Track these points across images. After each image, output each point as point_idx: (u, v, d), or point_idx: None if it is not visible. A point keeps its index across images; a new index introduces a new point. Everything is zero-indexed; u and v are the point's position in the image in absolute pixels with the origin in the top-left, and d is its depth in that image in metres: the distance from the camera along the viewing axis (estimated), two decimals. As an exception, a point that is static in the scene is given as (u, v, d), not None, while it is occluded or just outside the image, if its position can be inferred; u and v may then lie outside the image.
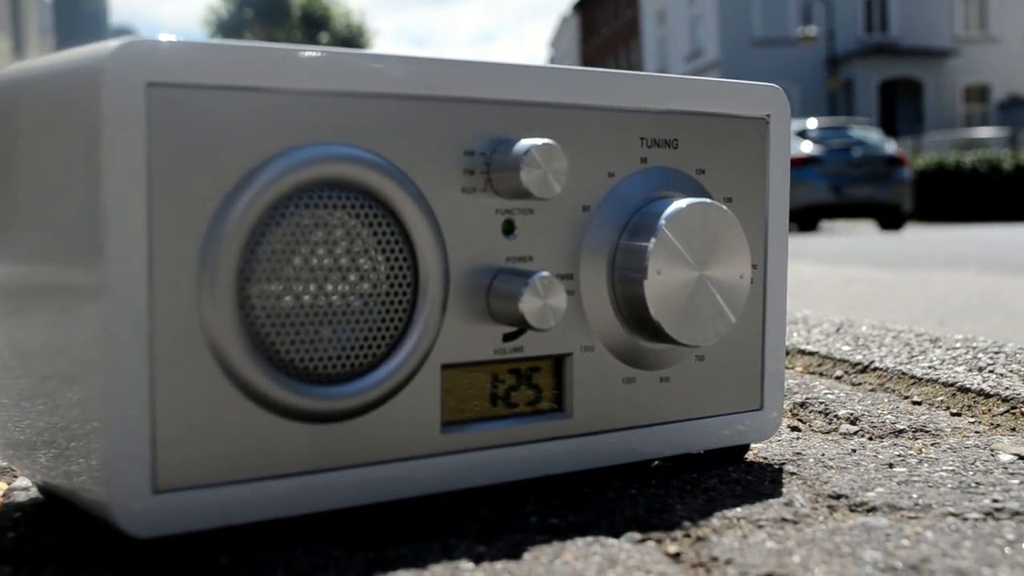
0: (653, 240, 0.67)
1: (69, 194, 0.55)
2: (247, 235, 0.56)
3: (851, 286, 4.43)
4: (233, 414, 0.56)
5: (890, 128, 24.22)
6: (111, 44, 0.53)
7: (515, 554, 0.56)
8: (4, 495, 0.69)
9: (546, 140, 0.63)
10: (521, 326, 0.63)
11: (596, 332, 0.69)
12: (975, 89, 26.11)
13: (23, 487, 0.70)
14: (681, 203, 0.68)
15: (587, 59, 40.36)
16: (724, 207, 0.70)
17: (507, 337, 0.65)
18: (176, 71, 0.54)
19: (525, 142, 0.62)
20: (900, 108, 25.30)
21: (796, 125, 11.87)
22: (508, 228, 0.65)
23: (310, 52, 0.58)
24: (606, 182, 0.68)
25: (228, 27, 20.96)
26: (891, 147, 11.90)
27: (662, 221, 0.67)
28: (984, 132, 20.16)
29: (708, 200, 0.69)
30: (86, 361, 0.55)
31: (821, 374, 1.17)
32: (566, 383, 0.68)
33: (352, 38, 21.46)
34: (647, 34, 32.27)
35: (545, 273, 0.63)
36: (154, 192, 0.53)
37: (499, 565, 0.54)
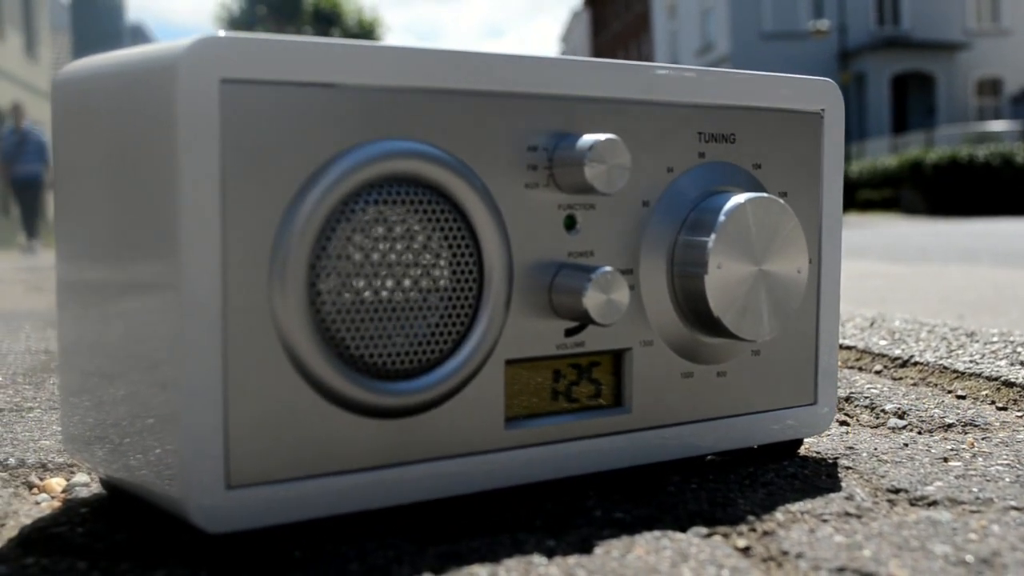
0: (713, 235, 0.67)
1: (144, 189, 0.55)
2: (317, 231, 0.56)
3: (867, 280, 4.43)
4: (304, 410, 0.57)
5: (902, 122, 24.20)
6: (185, 41, 0.53)
7: (586, 548, 0.56)
8: (65, 491, 0.69)
9: (609, 135, 0.63)
10: (584, 321, 0.63)
11: (655, 327, 0.69)
12: (987, 82, 26.03)
13: (83, 483, 0.70)
14: (739, 198, 0.68)
15: (598, 53, 40.34)
16: (781, 201, 0.70)
17: (568, 332, 0.66)
18: (249, 67, 0.54)
19: (588, 137, 0.63)
20: (912, 102, 25.24)
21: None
22: (570, 223, 0.65)
23: (378, 48, 0.58)
24: (665, 177, 0.69)
25: (240, 23, 20.98)
26: None
27: (721, 216, 0.67)
28: (997, 126, 20.13)
29: (765, 195, 0.69)
30: (159, 356, 0.55)
31: (860, 368, 1.17)
32: (625, 378, 0.68)
33: (364, 34, 21.48)
34: (658, 28, 32.24)
35: (608, 268, 0.63)
36: (227, 188, 0.54)
37: (572, 560, 0.54)
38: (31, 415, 0.94)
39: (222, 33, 0.54)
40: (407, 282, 0.59)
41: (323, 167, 0.56)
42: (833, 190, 0.76)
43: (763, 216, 0.69)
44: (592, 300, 0.62)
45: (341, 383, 0.57)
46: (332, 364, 0.57)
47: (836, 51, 23.39)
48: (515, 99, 0.62)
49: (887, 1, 25.90)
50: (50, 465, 0.75)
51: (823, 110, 0.75)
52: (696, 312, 0.68)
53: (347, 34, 21.51)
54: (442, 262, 0.60)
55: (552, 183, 0.64)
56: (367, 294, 0.58)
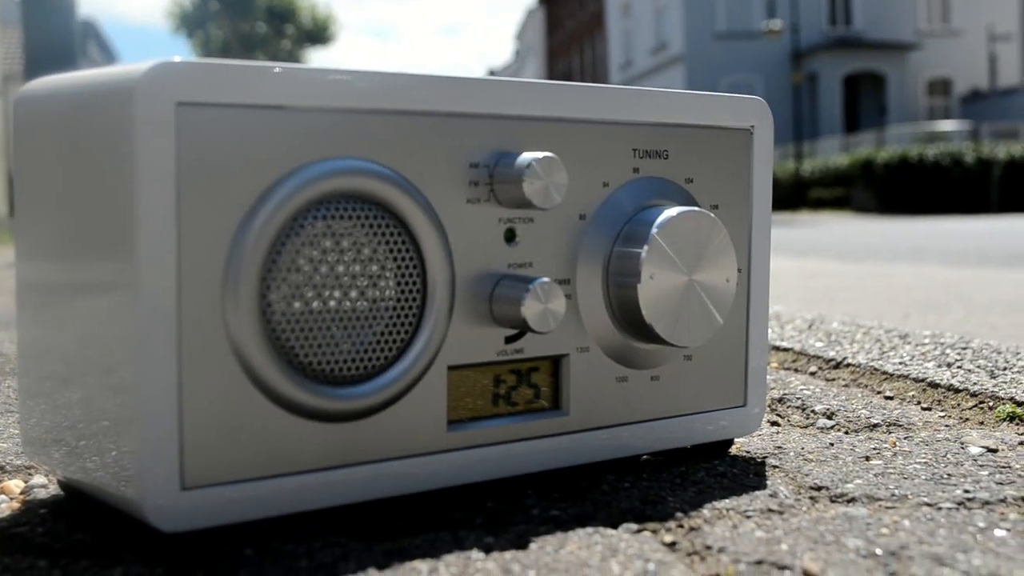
0: (646, 247, 0.71)
1: (102, 208, 0.58)
2: (268, 245, 0.59)
3: (816, 279, 4.50)
4: (255, 414, 0.60)
5: (854, 121, 24.45)
6: (143, 65, 0.56)
7: (522, 544, 0.59)
8: (24, 492, 0.72)
9: (547, 153, 0.66)
10: (523, 329, 0.67)
11: (591, 334, 0.72)
12: (938, 83, 26.37)
13: (41, 484, 0.73)
14: (672, 211, 0.72)
15: (552, 52, 40.41)
16: (712, 215, 0.73)
17: (508, 339, 0.69)
18: (204, 91, 0.57)
19: (527, 155, 0.66)
20: (863, 101, 25.51)
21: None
22: (510, 236, 0.68)
23: (326, 72, 0.61)
24: (601, 191, 0.72)
25: (192, 19, 20.83)
26: None
27: (654, 229, 0.71)
28: (946, 125, 20.40)
29: (697, 208, 0.73)
30: (116, 362, 0.58)
31: (796, 370, 1.21)
32: (563, 382, 0.72)
33: (318, 31, 21.41)
34: (612, 27, 32.37)
35: (546, 279, 0.66)
36: (183, 205, 0.56)
37: (508, 555, 0.58)
38: (-12, 418, 0.96)
39: (178, 59, 0.56)
40: (354, 293, 0.62)
41: (274, 185, 0.59)
42: (762, 202, 0.80)
43: (694, 228, 0.73)
44: (530, 309, 0.66)
45: (290, 389, 0.60)
46: (282, 371, 0.60)
47: (789, 51, 23.59)
48: (457, 119, 0.66)
49: (839, 2, 26.16)
50: (8, 467, 0.78)
51: (753, 127, 0.79)
52: (630, 320, 0.72)
53: (301, 31, 21.40)
54: (387, 274, 0.64)
55: (493, 198, 0.67)
56: (315, 304, 0.61)
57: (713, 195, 0.78)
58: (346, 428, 0.63)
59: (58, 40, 4.86)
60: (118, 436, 0.58)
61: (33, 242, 0.67)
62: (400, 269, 0.64)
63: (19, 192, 0.69)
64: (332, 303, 0.62)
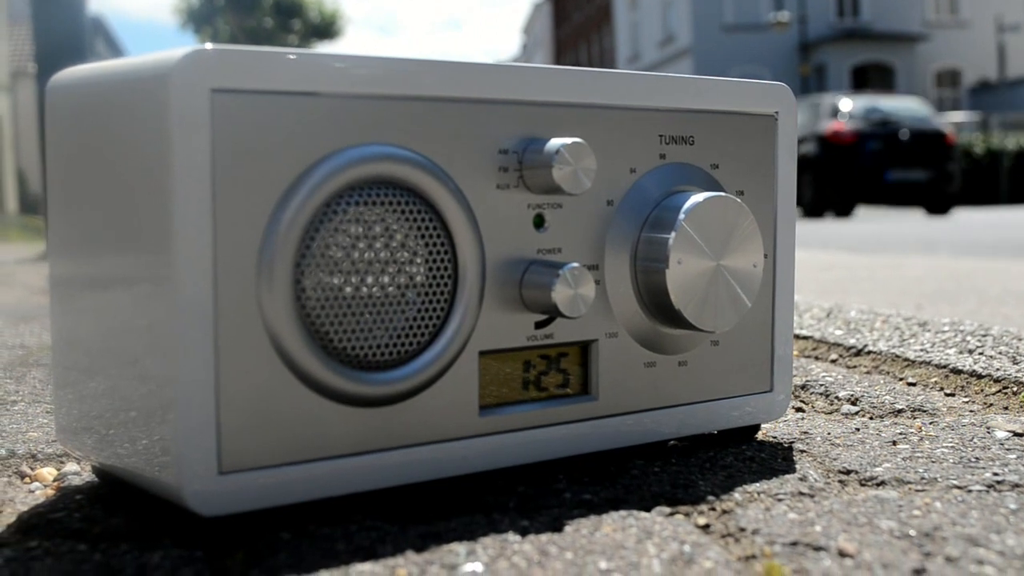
0: (673, 233, 0.71)
1: (138, 193, 0.59)
2: (302, 230, 0.59)
3: (829, 271, 4.49)
4: (290, 400, 0.60)
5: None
6: (177, 52, 0.56)
7: (556, 527, 0.60)
8: (57, 480, 0.72)
9: (575, 139, 0.66)
10: (552, 314, 0.67)
11: (620, 319, 0.73)
12: (946, 74, 26.30)
13: (74, 471, 0.73)
14: (698, 197, 0.72)
15: (560, 45, 40.38)
16: (738, 200, 0.74)
17: (538, 325, 0.69)
18: (237, 78, 0.57)
19: (556, 141, 0.66)
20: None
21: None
22: (539, 222, 0.69)
23: (358, 58, 0.61)
24: (628, 177, 0.72)
25: (199, 15, 20.84)
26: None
27: (682, 215, 0.71)
28: (955, 117, 20.32)
29: (723, 194, 0.73)
30: (152, 349, 0.58)
31: (816, 358, 1.21)
32: (592, 367, 0.72)
33: (326, 26, 21.39)
34: (619, 20, 32.34)
35: (575, 264, 0.67)
36: (217, 191, 0.57)
37: (544, 537, 0.58)
38: (16, 408, 0.97)
39: (210, 46, 0.57)
40: (386, 278, 0.63)
41: (307, 171, 0.60)
42: (787, 188, 0.80)
43: (721, 214, 0.73)
44: (560, 294, 0.66)
45: (325, 374, 0.61)
46: (317, 356, 0.60)
47: (797, 43, 23.57)
48: (487, 105, 0.66)
49: (847, -7, 26.12)
50: (40, 456, 0.78)
51: (777, 113, 0.80)
52: (658, 305, 0.72)
53: (308, 26, 21.40)
54: (419, 259, 0.64)
55: (522, 184, 0.68)
56: (349, 290, 0.61)
57: (738, 181, 0.78)
58: (380, 413, 0.63)
59: (69, 36, 4.87)
60: (156, 422, 0.59)
61: (66, 230, 0.67)
62: (431, 255, 0.64)
63: (51, 183, 0.69)
64: (365, 288, 0.62)
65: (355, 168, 0.61)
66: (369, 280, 0.62)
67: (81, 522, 0.62)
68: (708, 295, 0.73)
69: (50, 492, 0.69)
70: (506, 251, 0.67)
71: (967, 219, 9.59)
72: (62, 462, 0.77)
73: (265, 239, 0.59)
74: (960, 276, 4.09)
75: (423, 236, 0.64)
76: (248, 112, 0.58)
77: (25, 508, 0.66)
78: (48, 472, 0.74)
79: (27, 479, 0.73)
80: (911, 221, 9.56)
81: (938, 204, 11.08)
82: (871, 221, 9.98)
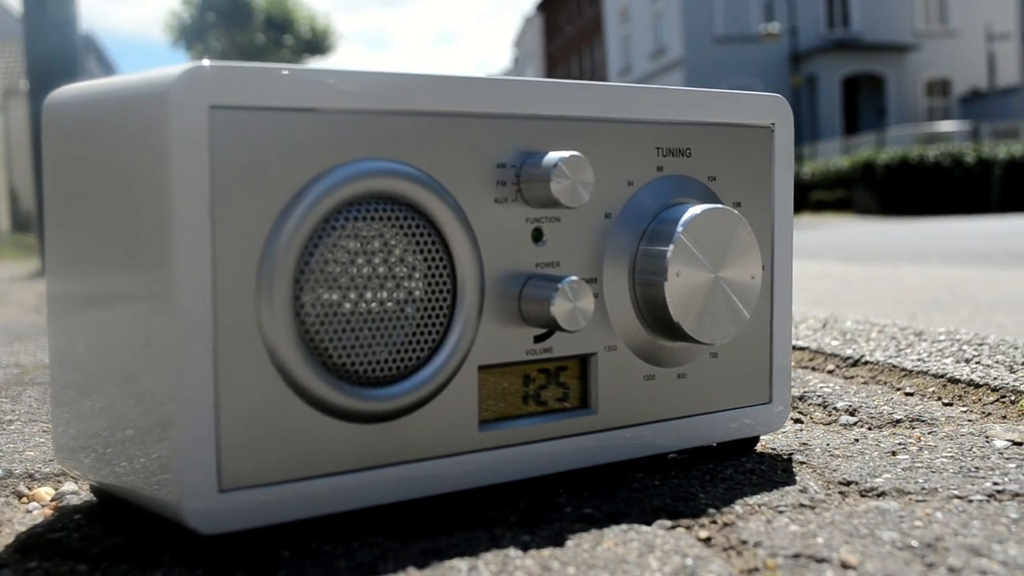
0: (671, 245, 0.71)
1: (136, 209, 0.59)
2: (301, 246, 0.59)
3: (822, 281, 4.50)
4: (290, 416, 0.60)
5: (853, 123, 24.45)
6: (175, 69, 0.56)
7: (558, 542, 0.60)
8: (55, 499, 0.72)
9: (573, 152, 0.66)
10: (552, 328, 0.67)
11: (618, 332, 0.73)
12: (936, 83, 26.38)
13: (72, 491, 0.73)
14: (696, 209, 0.72)
15: (551, 58, 40.45)
16: (735, 212, 0.74)
17: (537, 339, 0.69)
18: (235, 94, 0.57)
19: (553, 154, 0.66)
20: (863, 103, 25.53)
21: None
22: (537, 235, 0.69)
23: (355, 74, 0.61)
24: (626, 190, 0.72)
25: (191, 31, 20.84)
26: None
27: (679, 227, 0.71)
28: (946, 126, 20.41)
29: (720, 205, 0.73)
30: (151, 367, 0.58)
31: (813, 368, 1.21)
32: (591, 381, 0.72)
33: (317, 41, 21.40)
34: (610, 32, 32.41)
35: (574, 277, 0.66)
36: (216, 207, 0.57)
37: (545, 552, 0.58)
38: (11, 427, 0.97)
39: (207, 62, 0.57)
40: (385, 294, 0.63)
41: (305, 187, 0.59)
42: (784, 199, 0.80)
43: (719, 226, 0.73)
44: (560, 308, 0.66)
45: (325, 390, 0.60)
46: (316, 372, 0.60)
47: (787, 54, 23.62)
48: (484, 119, 0.66)
49: (837, 4, 26.19)
50: (37, 475, 0.78)
51: (773, 124, 0.80)
52: (657, 318, 0.72)
53: (300, 41, 21.41)
54: (417, 274, 0.64)
55: (520, 198, 0.68)
56: (348, 305, 0.61)
57: (735, 193, 0.78)
58: (380, 429, 0.63)
59: (61, 55, 4.87)
60: (154, 440, 0.59)
61: (63, 248, 0.67)
62: (430, 269, 0.64)
63: (48, 201, 0.69)
64: (364, 304, 0.62)
65: (353, 183, 0.61)
66: (368, 295, 0.62)
67: (81, 542, 0.62)
68: (707, 307, 0.73)
69: (48, 512, 0.69)
70: (504, 265, 0.67)
71: (959, 228, 9.61)
72: (60, 481, 0.76)
73: (264, 255, 0.58)
74: (953, 285, 4.09)
75: (422, 251, 0.64)
76: (246, 128, 0.58)
77: (23, 528, 0.65)
78: (46, 492, 0.73)
79: (24, 499, 0.72)
80: (902, 230, 9.57)
81: None
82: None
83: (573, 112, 0.70)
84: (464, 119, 0.65)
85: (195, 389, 0.57)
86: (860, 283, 4.37)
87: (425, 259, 0.64)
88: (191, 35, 21.04)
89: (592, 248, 0.71)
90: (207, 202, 0.56)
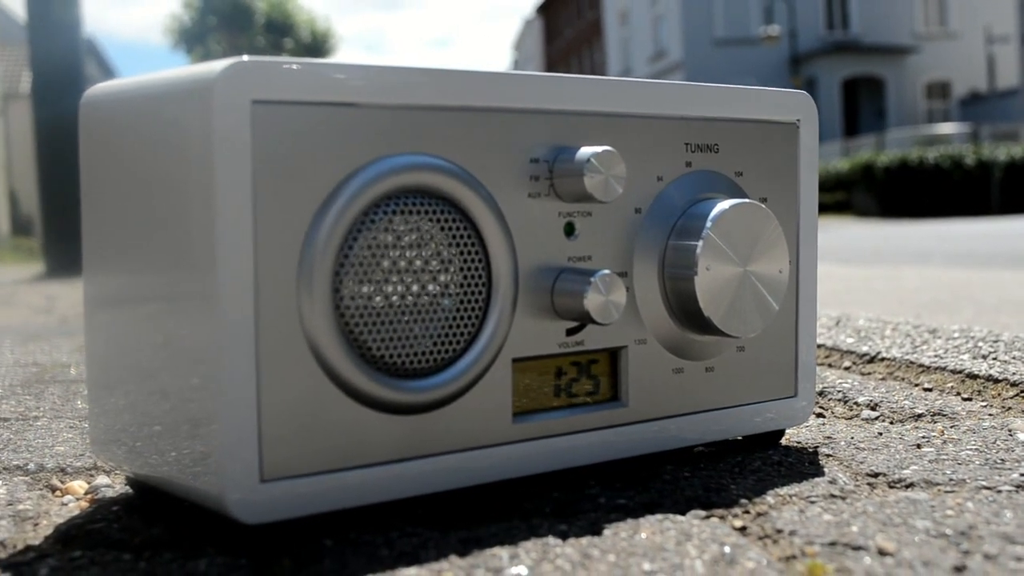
0: (701, 240, 0.71)
1: (178, 203, 0.59)
2: (340, 240, 0.60)
3: (824, 282, 4.49)
4: (330, 408, 0.61)
5: (853, 125, 24.47)
6: (217, 64, 0.57)
7: (595, 531, 0.60)
8: (89, 492, 0.72)
9: (605, 147, 0.67)
10: (585, 321, 0.68)
11: (648, 326, 0.73)
12: (936, 85, 26.40)
13: (106, 483, 0.74)
14: (724, 204, 0.73)
15: (551, 61, 40.47)
16: (763, 206, 0.74)
17: (569, 332, 0.70)
18: (277, 89, 0.58)
19: (586, 149, 0.67)
20: (862, 105, 25.55)
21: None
22: (569, 230, 0.69)
23: (394, 70, 0.62)
24: (655, 185, 0.73)
25: (191, 35, 20.87)
26: None
27: (708, 222, 0.72)
28: (946, 128, 20.41)
29: (748, 200, 0.74)
30: (194, 360, 0.59)
31: (830, 365, 1.22)
32: (621, 374, 0.73)
33: (317, 45, 21.43)
34: (610, 35, 32.42)
35: (607, 271, 0.67)
36: (258, 201, 0.57)
37: (584, 540, 0.59)
38: (39, 423, 0.97)
39: (246, 58, 0.57)
40: (422, 286, 0.63)
41: (345, 180, 0.60)
42: (809, 194, 0.81)
43: (747, 221, 0.74)
44: (592, 301, 0.67)
45: (364, 382, 0.61)
46: (355, 364, 0.61)
47: (787, 56, 23.64)
48: (518, 115, 0.67)
49: (836, 6, 26.22)
50: (69, 469, 0.79)
51: (799, 120, 0.80)
52: (687, 312, 0.73)
53: (300, 44, 21.43)
54: (453, 268, 0.65)
55: (553, 192, 0.68)
56: (386, 298, 0.62)
57: (762, 188, 0.79)
58: (417, 420, 0.64)
59: (66, 58, 4.88)
60: (198, 432, 0.59)
61: (102, 247, 0.68)
62: (466, 263, 0.65)
63: (86, 200, 0.69)
64: (402, 297, 0.63)
65: (391, 178, 0.61)
66: (405, 288, 0.63)
67: (121, 532, 0.63)
68: (736, 301, 0.73)
69: (84, 504, 0.70)
70: (538, 259, 0.68)
71: (959, 230, 9.62)
72: (91, 475, 0.77)
73: (304, 249, 0.59)
74: (956, 286, 4.10)
75: (458, 244, 0.64)
76: (287, 123, 0.58)
77: (61, 520, 0.66)
78: (79, 485, 0.74)
79: (58, 492, 0.73)
80: (903, 232, 9.58)
81: None
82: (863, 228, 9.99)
83: (604, 108, 0.71)
84: (499, 114, 0.66)
85: (237, 381, 0.57)
86: (861, 284, 4.38)
87: (461, 252, 0.65)
88: (191, 38, 21.06)
89: (622, 243, 0.72)
90: (249, 196, 0.57)
